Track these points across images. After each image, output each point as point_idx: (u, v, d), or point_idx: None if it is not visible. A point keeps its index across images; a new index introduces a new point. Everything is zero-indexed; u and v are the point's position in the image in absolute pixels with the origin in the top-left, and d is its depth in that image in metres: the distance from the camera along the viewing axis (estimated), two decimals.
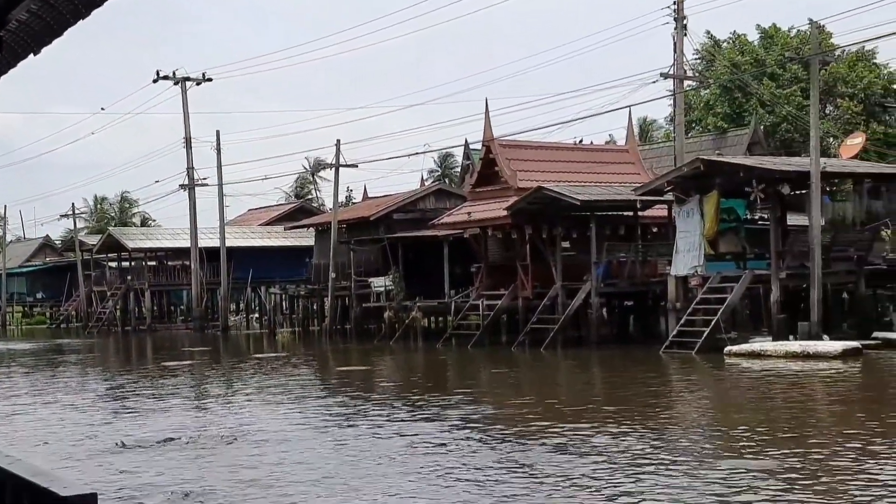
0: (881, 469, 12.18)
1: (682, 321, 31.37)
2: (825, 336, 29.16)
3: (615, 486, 11.65)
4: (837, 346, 27.66)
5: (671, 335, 31.41)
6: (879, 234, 33.83)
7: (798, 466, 12.43)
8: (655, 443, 14.62)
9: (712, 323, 30.16)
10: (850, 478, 11.77)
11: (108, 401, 23.91)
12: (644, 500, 10.94)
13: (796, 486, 11.33)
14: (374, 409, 20.02)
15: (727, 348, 28.91)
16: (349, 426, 17.71)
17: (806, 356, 27.20)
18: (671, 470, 12.50)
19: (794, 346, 28.22)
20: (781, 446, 13.88)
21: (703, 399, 21.83)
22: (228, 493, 12.01)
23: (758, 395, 21.51)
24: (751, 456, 13.22)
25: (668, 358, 29.81)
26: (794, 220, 35.29)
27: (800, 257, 31.32)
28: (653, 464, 12.94)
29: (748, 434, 15.07)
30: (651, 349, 31.35)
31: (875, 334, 30.19)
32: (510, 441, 15.17)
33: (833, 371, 24.54)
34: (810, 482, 11.56)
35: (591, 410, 19.30)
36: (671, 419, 18.07)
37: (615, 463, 13.07)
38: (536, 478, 12.34)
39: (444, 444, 15.12)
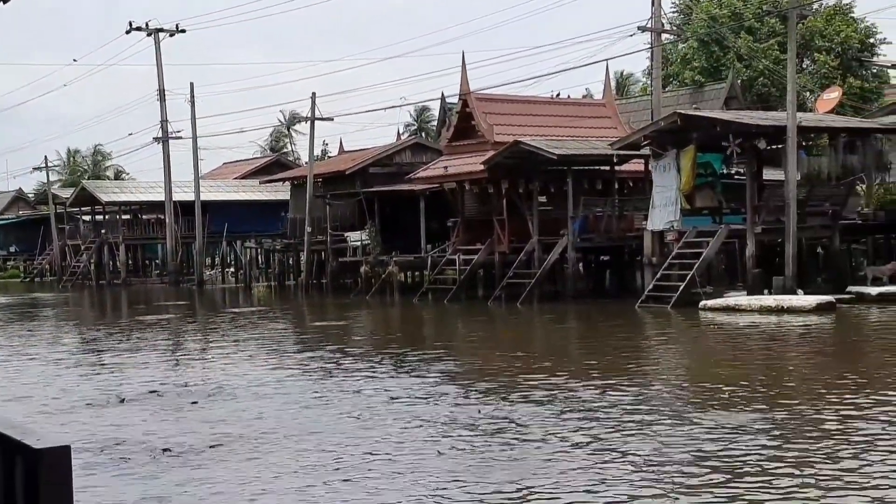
0: (863, 420, 12.26)
1: (657, 276, 31.50)
2: (800, 290, 29.33)
3: (604, 442, 11.67)
4: (811, 300, 27.84)
5: (647, 289, 31.54)
6: (854, 189, 33.98)
7: (783, 419, 12.48)
8: (638, 397, 14.67)
9: (688, 277, 30.28)
10: (835, 430, 11.83)
11: (85, 355, 23.84)
12: (632, 453, 10.97)
13: (787, 438, 11.39)
14: (353, 364, 20.01)
15: (702, 303, 29.05)
16: (329, 381, 17.69)
17: (780, 310, 27.37)
18: (658, 425, 12.54)
19: (768, 300, 28.38)
20: (764, 400, 13.96)
21: (681, 353, 21.95)
22: (208, 448, 11.98)
23: (735, 349, 21.63)
24: (736, 409, 13.27)
25: (643, 312, 29.94)
26: (770, 174, 35.39)
27: (775, 212, 31.44)
28: (639, 416, 12.97)
29: (729, 388, 15.12)
30: (627, 303, 31.47)
31: (850, 289, 30.39)
32: (494, 396, 15.15)
33: (807, 325, 24.70)
34: (798, 434, 11.61)
35: (571, 365, 19.35)
36: (651, 373, 18.16)
37: (602, 418, 13.09)
38: (525, 434, 12.34)
39: (427, 399, 15.09)
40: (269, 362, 20.90)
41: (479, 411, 13.76)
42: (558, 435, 12.05)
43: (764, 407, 13.35)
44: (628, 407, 13.77)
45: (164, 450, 11.88)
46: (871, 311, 27.56)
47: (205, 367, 20.52)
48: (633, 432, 12.04)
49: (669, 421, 12.74)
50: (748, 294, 29.51)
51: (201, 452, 11.75)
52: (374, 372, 18.58)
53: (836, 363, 18.77)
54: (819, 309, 27.17)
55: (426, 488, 9.90)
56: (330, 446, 11.91)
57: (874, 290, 30.00)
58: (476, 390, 15.75)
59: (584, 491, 9.55)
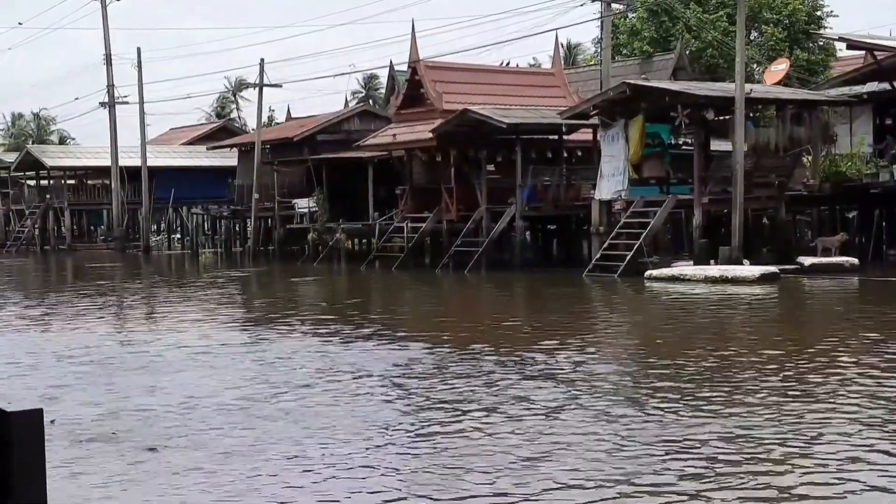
0: (807, 388, 12.37)
1: (605, 245, 31.63)
2: (745, 261, 29.56)
3: (560, 412, 11.66)
4: (756, 270, 28.09)
5: (594, 259, 31.67)
6: (800, 161, 34.25)
7: (721, 390, 12.56)
8: (588, 367, 14.66)
9: (635, 247, 30.43)
10: (790, 399, 11.90)
11: (31, 320, 23.48)
12: (587, 430, 10.98)
13: (725, 406, 11.45)
14: (303, 332, 19.85)
15: (648, 272, 29.20)
16: (282, 349, 17.46)
17: (725, 280, 27.58)
18: (612, 397, 12.57)
19: (713, 270, 28.57)
20: (704, 370, 14.01)
21: (626, 322, 21.99)
22: (153, 417, 11.84)
23: (680, 318, 21.74)
24: (679, 379, 13.33)
25: (590, 281, 30.06)
26: (717, 145, 35.56)
27: (722, 182, 31.65)
28: (581, 385, 12.99)
29: (677, 358, 15.16)
30: (574, 272, 31.58)
31: (799, 259, 30.69)
32: (453, 364, 15.06)
33: (749, 295, 24.91)
34: (748, 401, 11.67)
35: (516, 333, 19.32)
36: (595, 342, 18.15)
37: (562, 388, 13.09)
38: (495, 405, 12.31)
39: (384, 368, 14.91)
40: (218, 330, 20.66)
41: (446, 384, 13.71)
42: (532, 408, 12.00)
43: (705, 374, 13.42)
44: (570, 376, 13.78)
45: (112, 423, 11.72)
46: (813, 282, 27.89)
47: (153, 334, 20.29)
48: (574, 405, 12.05)
49: (635, 395, 12.78)
50: (694, 264, 29.72)
51: (151, 420, 11.58)
52: (328, 341, 18.43)
53: (779, 332, 18.95)
54: (763, 279, 27.43)
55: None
56: (287, 421, 11.77)
57: (807, 261, 30.38)
58: (437, 361, 15.61)
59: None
